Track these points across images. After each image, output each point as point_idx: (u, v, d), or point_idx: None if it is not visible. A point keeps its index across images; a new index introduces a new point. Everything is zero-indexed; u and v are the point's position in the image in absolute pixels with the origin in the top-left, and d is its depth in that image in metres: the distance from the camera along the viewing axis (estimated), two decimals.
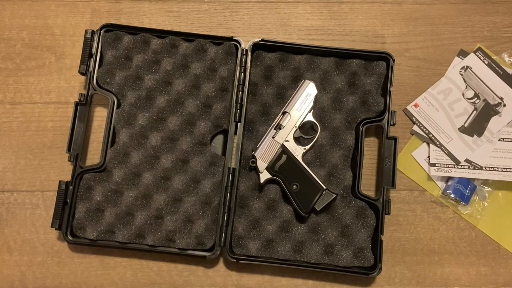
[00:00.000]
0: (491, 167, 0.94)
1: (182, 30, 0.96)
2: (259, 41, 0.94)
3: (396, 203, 0.94)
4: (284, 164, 0.89)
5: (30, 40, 1.00)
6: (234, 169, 0.90)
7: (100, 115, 0.97)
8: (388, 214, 0.89)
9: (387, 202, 0.89)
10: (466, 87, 0.98)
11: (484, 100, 0.97)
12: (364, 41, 1.00)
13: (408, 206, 0.94)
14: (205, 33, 0.96)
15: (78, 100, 0.92)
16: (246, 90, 0.93)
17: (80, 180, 0.90)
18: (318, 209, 0.88)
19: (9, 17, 1.01)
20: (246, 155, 0.92)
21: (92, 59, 0.93)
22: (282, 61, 0.96)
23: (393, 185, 0.90)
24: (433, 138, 0.96)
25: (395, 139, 0.91)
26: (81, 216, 0.88)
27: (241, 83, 0.93)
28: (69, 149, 0.90)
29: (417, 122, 0.97)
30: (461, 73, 0.98)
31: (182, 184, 0.91)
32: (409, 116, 0.97)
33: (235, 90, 0.94)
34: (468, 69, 0.98)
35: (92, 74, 0.93)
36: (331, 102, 0.94)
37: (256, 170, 0.90)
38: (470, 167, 0.94)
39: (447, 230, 0.93)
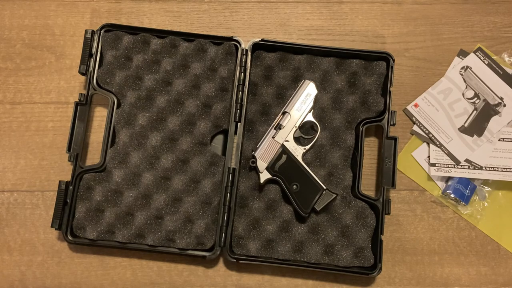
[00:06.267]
0: (491, 167, 0.94)
1: (182, 30, 0.96)
2: (259, 41, 0.94)
3: (396, 203, 0.94)
4: (284, 164, 0.89)
5: (30, 40, 1.00)
6: (234, 169, 0.90)
7: (100, 115, 0.97)
8: (388, 214, 0.89)
9: (387, 202, 0.89)
10: (466, 87, 0.98)
11: (484, 100, 0.97)
12: (364, 41, 1.00)
13: (408, 206, 0.94)
14: (205, 33, 0.96)
15: (78, 100, 0.92)
16: (246, 90, 0.93)
17: (80, 180, 0.90)
18: (318, 209, 0.88)
19: (9, 17, 1.01)
20: (246, 155, 0.92)
21: (92, 59, 0.93)
22: (282, 61, 0.96)
23: (393, 185, 0.90)
24: (433, 138, 0.96)
25: (395, 139, 0.91)
26: (81, 216, 0.88)
27: (241, 83, 0.93)
28: (69, 149, 0.90)
29: (417, 122, 0.97)
30: (461, 73, 0.98)
31: (182, 184, 0.91)
32: (409, 116, 0.97)
33: (235, 90, 0.94)
34: (468, 69, 0.98)
35: (92, 74, 0.93)
36: (331, 102, 0.94)
37: (256, 170, 0.90)
38: (470, 167, 0.94)
39: (447, 230, 0.93)
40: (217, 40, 0.95)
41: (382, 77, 0.94)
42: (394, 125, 0.92)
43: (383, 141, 0.91)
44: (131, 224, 0.89)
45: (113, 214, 0.89)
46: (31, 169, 0.95)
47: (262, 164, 0.89)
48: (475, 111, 0.97)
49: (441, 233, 0.93)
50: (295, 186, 0.89)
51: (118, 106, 0.93)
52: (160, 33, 0.95)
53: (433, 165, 0.95)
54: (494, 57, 0.98)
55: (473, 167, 0.94)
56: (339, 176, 0.92)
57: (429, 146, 0.96)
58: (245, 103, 0.92)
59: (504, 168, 0.94)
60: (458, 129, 0.96)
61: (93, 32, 0.94)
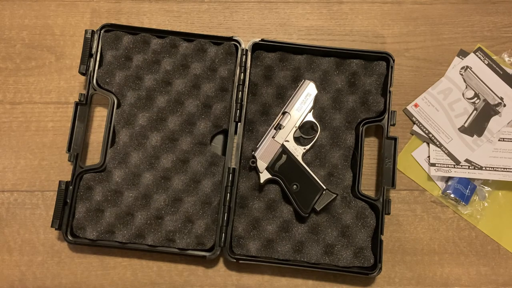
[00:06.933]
0: (491, 167, 0.94)
1: (182, 30, 0.96)
2: (259, 41, 0.94)
3: (396, 203, 0.94)
4: (284, 164, 0.89)
5: (30, 40, 1.00)
6: (234, 169, 0.90)
7: (100, 115, 0.97)
8: (388, 214, 0.89)
9: (387, 202, 0.89)
10: (466, 87, 0.98)
11: (484, 100, 0.97)
12: (364, 41, 1.00)
13: (408, 206, 0.94)
14: (205, 33, 0.96)
15: (78, 100, 0.92)
16: (246, 90, 0.93)
17: (80, 180, 0.90)
18: (318, 209, 0.88)
19: (9, 17, 1.01)
20: (246, 155, 0.92)
21: (92, 59, 0.93)
22: (282, 61, 0.96)
23: (393, 185, 0.90)
24: (433, 138, 0.96)
25: (395, 139, 0.91)
26: (81, 216, 0.88)
27: (241, 83, 0.93)
28: (69, 149, 0.90)
29: (417, 122, 0.97)
30: (461, 73, 0.98)
31: (182, 184, 0.91)
32: (409, 116, 0.97)
33: (235, 90, 0.94)
34: (468, 69, 0.98)
35: (92, 74, 0.93)
36: (331, 102, 0.94)
37: (256, 170, 0.90)
38: (470, 167, 0.94)
39: (447, 230, 0.93)
40: (217, 40, 0.95)
41: (382, 77, 0.94)
42: (394, 125, 0.92)
43: (383, 141, 0.91)
44: (131, 224, 0.89)
45: (113, 214, 0.89)
46: (31, 169, 0.95)
47: (262, 164, 0.89)
48: (475, 111, 0.97)
49: (441, 233, 0.93)
50: (295, 186, 0.89)
51: (118, 106, 0.93)
52: (160, 33, 0.95)
53: (433, 165, 0.95)
54: (494, 57, 0.98)
55: (473, 167, 0.94)
56: (339, 176, 0.92)
57: (429, 146, 0.96)
58: (245, 103, 0.92)
59: (504, 168, 0.94)
60: (458, 129, 0.96)
61: (93, 32, 0.94)
